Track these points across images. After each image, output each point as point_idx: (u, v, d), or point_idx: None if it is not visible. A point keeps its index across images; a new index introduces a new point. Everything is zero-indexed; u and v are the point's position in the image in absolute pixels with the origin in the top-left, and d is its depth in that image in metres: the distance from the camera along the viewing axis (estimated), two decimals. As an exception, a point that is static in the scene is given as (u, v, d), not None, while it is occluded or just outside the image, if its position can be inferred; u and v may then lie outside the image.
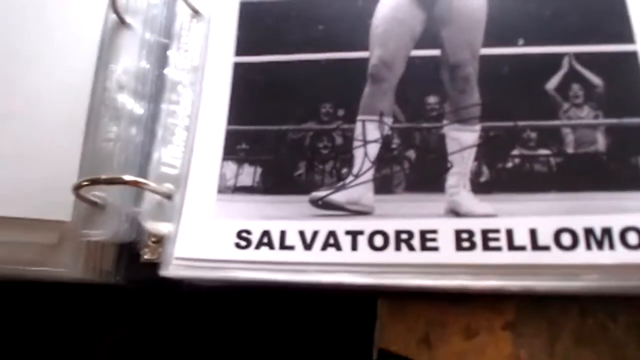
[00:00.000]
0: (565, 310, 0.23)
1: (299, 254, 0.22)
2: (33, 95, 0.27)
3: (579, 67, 0.23)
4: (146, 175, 0.24)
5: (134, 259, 0.25)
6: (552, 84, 0.23)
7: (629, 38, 0.23)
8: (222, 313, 0.26)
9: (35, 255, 0.25)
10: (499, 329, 0.22)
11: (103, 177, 0.23)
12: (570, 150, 0.22)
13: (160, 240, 0.24)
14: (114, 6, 0.27)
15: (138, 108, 0.27)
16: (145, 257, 0.24)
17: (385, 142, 0.23)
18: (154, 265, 0.24)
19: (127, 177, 0.23)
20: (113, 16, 0.28)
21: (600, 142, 0.22)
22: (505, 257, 0.20)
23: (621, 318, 0.22)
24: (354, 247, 0.22)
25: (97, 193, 0.25)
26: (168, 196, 0.24)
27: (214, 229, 0.23)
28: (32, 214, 0.25)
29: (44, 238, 0.25)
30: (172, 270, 0.22)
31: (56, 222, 0.25)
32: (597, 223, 0.20)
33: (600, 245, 0.20)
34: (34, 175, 0.25)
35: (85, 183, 0.23)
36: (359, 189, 0.23)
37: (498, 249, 0.21)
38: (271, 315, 0.26)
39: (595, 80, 0.22)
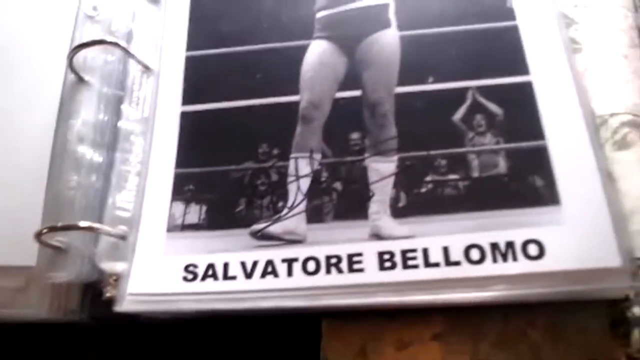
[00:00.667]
0: (489, 318, 0.25)
1: (240, 283, 0.24)
2: (3, 151, 0.30)
3: (481, 99, 0.25)
4: (101, 217, 0.27)
5: (98, 297, 0.27)
6: (458, 115, 0.25)
7: (524, 70, 0.25)
8: (177, 342, 0.28)
9: (3, 299, 0.27)
10: (429, 339, 0.24)
11: (60, 224, 0.25)
12: (475, 174, 0.24)
13: (115, 276, 0.26)
14: (71, 66, 0.30)
15: (97, 157, 0.30)
16: (107, 295, 0.26)
17: (315, 176, 0.26)
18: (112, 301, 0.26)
19: (82, 224, 0.25)
20: (72, 75, 0.31)
21: (502, 165, 0.24)
22: (423, 273, 0.23)
23: (539, 322, 0.24)
24: (290, 273, 0.24)
25: (59, 238, 0.27)
26: (122, 237, 0.26)
27: (164, 265, 0.25)
28: (1, 260, 0.27)
29: (11, 282, 0.27)
30: (125, 305, 0.24)
31: (22, 267, 0.27)
32: (502, 238, 0.22)
33: (505, 257, 0.22)
34: (3, 224, 0.28)
35: (45, 231, 0.25)
36: (293, 220, 0.25)
37: (416, 267, 0.23)
38: (225, 340, 0.28)
39: (496, 109, 0.25)
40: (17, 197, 0.28)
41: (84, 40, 0.31)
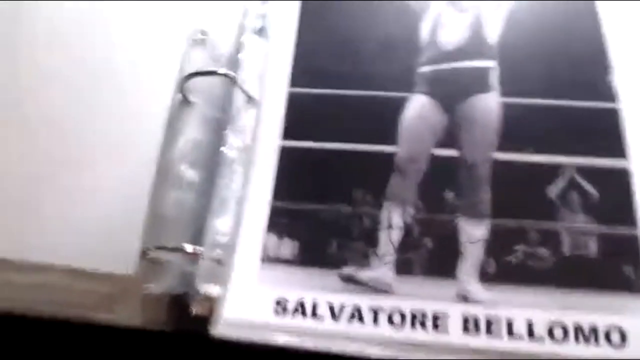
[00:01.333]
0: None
1: (327, 324, 0.25)
2: (110, 161, 0.31)
3: (578, 178, 0.26)
4: (201, 239, 0.28)
5: (184, 310, 0.29)
6: (554, 190, 0.26)
7: (622, 154, 0.26)
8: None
9: (100, 302, 0.29)
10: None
11: (169, 245, 0.27)
12: (565, 251, 0.25)
13: (208, 297, 0.28)
14: (180, 88, 0.32)
15: (195, 177, 0.31)
16: (195, 310, 0.28)
17: (407, 229, 0.27)
18: (201, 319, 0.28)
19: (187, 247, 0.27)
20: (179, 95, 0.33)
21: (592, 247, 0.25)
22: (505, 344, 0.24)
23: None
24: (376, 321, 0.25)
25: (160, 253, 0.29)
26: (219, 261, 0.28)
27: (257, 294, 0.27)
28: (101, 267, 0.29)
29: (108, 288, 0.29)
30: (220, 329, 0.25)
31: (121, 275, 0.29)
32: (586, 320, 0.23)
33: (587, 340, 0.23)
34: (104, 233, 0.29)
35: (151, 249, 0.27)
36: (382, 269, 0.26)
37: (499, 336, 0.24)
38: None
39: (592, 190, 0.26)
40: (121, 207, 0.30)
41: (192, 63, 0.33)
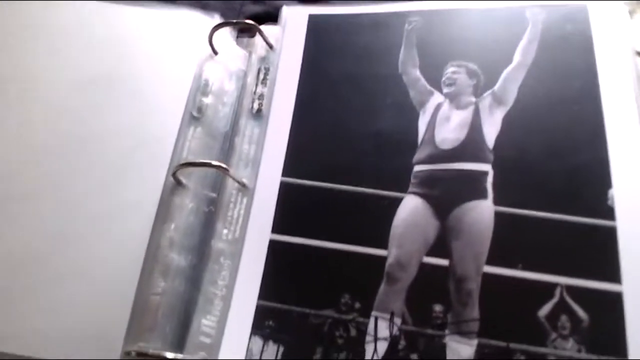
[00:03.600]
0: None
1: None
2: (99, 248, 0.32)
3: (568, 299, 0.26)
4: (185, 340, 0.29)
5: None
6: (543, 311, 0.26)
7: (616, 278, 0.26)
8: None
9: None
10: None
11: (149, 351, 0.28)
12: (554, 379, 0.25)
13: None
14: (174, 175, 0.33)
15: (184, 262, 0.32)
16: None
17: (393, 341, 0.27)
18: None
19: (169, 355, 0.28)
20: (171, 179, 0.34)
21: (581, 376, 0.25)
22: None
23: None
24: None
25: (141, 344, 0.30)
26: (202, 364, 0.29)
27: (238, 401, 0.27)
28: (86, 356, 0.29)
29: (93, 381, 0.30)
30: None
31: (105, 366, 0.30)
32: None
33: None
34: (91, 323, 0.30)
35: (133, 355, 0.28)
36: (366, 383, 0.27)
37: None
38: None
39: (582, 314, 0.26)
40: (107, 298, 0.31)
41: (187, 142, 0.35)
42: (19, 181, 0.34)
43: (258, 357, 0.28)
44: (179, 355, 0.28)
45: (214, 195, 0.34)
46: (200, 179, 0.34)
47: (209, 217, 0.33)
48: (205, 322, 0.29)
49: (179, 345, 0.29)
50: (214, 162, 0.32)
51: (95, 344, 0.30)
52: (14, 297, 0.31)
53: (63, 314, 0.30)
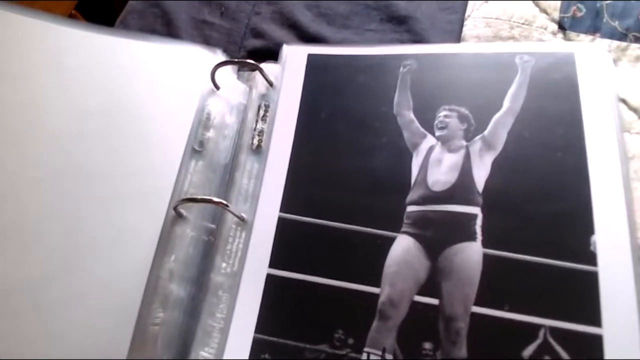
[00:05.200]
0: None
1: None
2: (98, 277, 0.34)
3: (551, 341, 0.28)
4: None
5: None
6: (528, 352, 0.28)
7: (597, 321, 0.29)
8: None
9: None
10: None
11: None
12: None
13: None
14: (175, 208, 0.35)
15: (183, 293, 0.34)
16: None
17: (384, 377, 0.29)
18: None
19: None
20: (172, 211, 0.35)
21: (562, 417, 0.27)
22: None
23: None
24: None
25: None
26: (198, 396, 0.30)
27: None
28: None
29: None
30: None
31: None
32: None
33: None
34: (92, 350, 0.32)
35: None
36: (357, 418, 0.29)
37: None
38: None
39: (564, 355, 0.28)
40: (109, 326, 0.32)
41: (189, 175, 0.37)
42: (20, 210, 0.36)
43: (253, 390, 0.30)
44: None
45: (213, 226, 0.36)
46: (200, 212, 0.36)
47: (208, 248, 0.35)
48: (203, 354, 0.31)
49: (178, 370, 0.31)
50: (215, 199, 0.34)
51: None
52: (13, 322, 0.33)
53: (62, 340, 0.32)
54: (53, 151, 0.38)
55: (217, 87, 0.40)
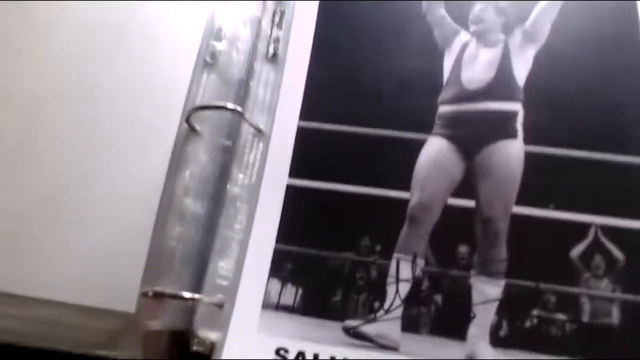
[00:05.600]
0: None
1: (328, 379, 0.26)
2: (113, 194, 0.33)
3: (603, 239, 0.26)
4: (202, 282, 0.30)
5: (184, 347, 0.30)
6: (576, 251, 0.26)
7: (654, 216, 0.26)
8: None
9: (102, 340, 0.30)
10: None
11: (167, 291, 0.28)
12: (585, 319, 0.25)
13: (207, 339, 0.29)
14: (187, 118, 0.33)
15: (199, 211, 0.33)
16: (194, 347, 0.29)
17: (416, 282, 0.27)
18: (201, 356, 0.29)
19: (185, 294, 0.28)
20: (185, 125, 0.34)
21: (615, 315, 0.25)
22: (515, 413, 0.24)
23: None
24: (379, 380, 0.26)
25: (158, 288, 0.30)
26: (219, 305, 0.29)
27: (256, 342, 0.28)
28: (103, 304, 0.30)
29: (111, 325, 0.30)
30: (217, 377, 0.27)
31: (122, 312, 0.30)
32: (603, 395, 0.24)
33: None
34: (108, 268, 0.31)
35: (150, 293, 0.28)
36: (388, 324, 0.27)
37: (508, 404, 0.24)
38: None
39: (618, 254, 0.26)
40: (124, 242, 0.31)
41: (201, 89, 0.35)
42: (36, 127, 0.35)
43: (276, 299, 0.29)
44: (196, 295, 0.28)
45: (228, 143, 0.34)
46: (215, 126, 0.34)
47: (224, 164, 0.33)
48: (222, 265, 0.30)
49: (196, 288, 0.29)
50: (230, 105, 0.32)
51: (112, 286, 0.30)
52: (31, 241, 0.31)
53: (79, 257, 0.31)
54: (66, 67, 0.36)
55: (229, -4, 0.38)
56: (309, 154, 0.32)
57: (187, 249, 0.32)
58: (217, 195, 0.33)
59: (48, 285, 0.31)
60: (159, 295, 0.28)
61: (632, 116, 0.28)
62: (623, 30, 0.30)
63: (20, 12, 0.39)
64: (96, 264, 0.31)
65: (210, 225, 0.32)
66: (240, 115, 0.32)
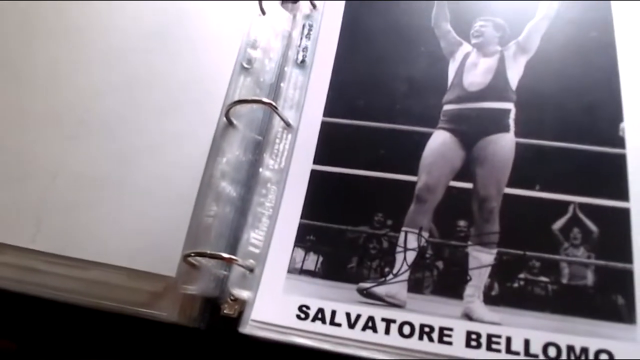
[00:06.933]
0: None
1: (344, 331, 0.32)
2: (158, 174, 0.39)
3: (580, 215, 0.32)
4: (236, 249, 0.36)
5: (216, 311, 0.36)
6: (557, 225, 0.32)
7: (624, 196, 0.32)
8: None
9: (144, 299, 0.36)
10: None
11: (208, 252, 0.34)
12: (564, 280, 0.31)
13: (237, 299, 0.35)
14: (226, 112, 0.40)
15: (233, 192, 0.39)
16: (225, 311, 0.35)
17: (421, 251, 0.33)
18: (231, 319, 0.34)
19: (225, 255, 0.34)
20: (224, 119, 0.40)
21: (589, 278, 0.30)
22: (504, 357, 0.29)
23: None
24: (387, 332, 0.31)
25: (198, 258, 0.36)
26: (251, 269, 0.35)
27: (282, 301, 0.33)
28: (147, 268, 0.36)
29: (152, 287, 0.36)
30: (248, 329, 0.32)
31: (163, 276, 0.36)
32: (578, 342, 0.29)
33: (578, 359, 0.28)
34: (152, 237, 0.37)
35: (193, 254, 0.34)
36: (396, 286, 0.33)
37: (498, 351, 0.29)
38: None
39: (593, 227, 0.31)
40: (167, 215, 0.37)
41: (238, 89, 0.42)
42: (91, 112, 0.41)
43: (300, 265, 0.34)
44: (234, 257, 0.34)
45: (260, 138, 0.41)
46: (249, 121, 0.41)
47: (256, 151, 0.40)
48: (254, 235, 0.36)
49: (231, 253, 0.35)
50: (265, 100, 0.38)
51: (156, 253, 0.36)
52: (84, 209, 0.38)
53: (128, 228, 0.37)
54: (119, 64, 0.43)
55: (263, 12, 0.45)
56: (331, 144, 0.38)
57: (222, 225, 0.38)
58: (250, 179, 0.39)
59: (100, 250, 0.37)
60: (201, 255, 0.34)
61: (605, 114, 0.34)
62: (600, 43, 0.36)
63: (86, 14, 0.46)
64: (143, 234, 0.38)
65: (243, 206, 0.39)
66: (274, 108, 0.39)
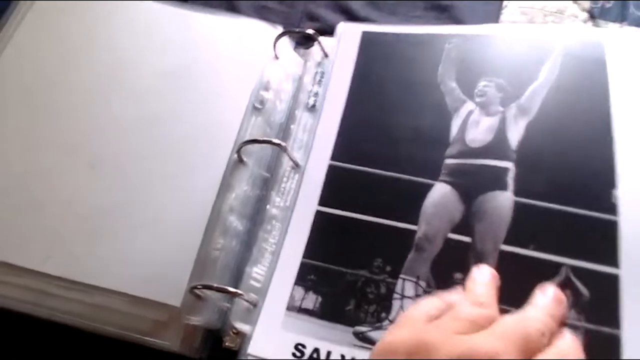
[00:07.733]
0: None
1: (338, 373, 0.31)
2: (169, 206, 0.39)
3: (572, 277, 0.32)
4: (239, 282, 0.35)
5: (217, 343, 0.35)
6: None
7: (615, 262, 0.32)
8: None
9: (148, 328, 0.36)
10: None
11: (215, 285, 0.34)
12: (554, 341, 0.30)
13: (238, 332, 0.34)
14: (238, 152, 0.40)
15: (240, 226, 0.39)
16: (227, 344, 0.35)
17: (418, 300, 0.33)
18: (230, 352, 0.34)
19: (231, 289, 0.34)
20: (235, 156, 0.40)
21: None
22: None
23: None
24: (380, 377, 0.31)
25: (204, 290, 0.36)
26: (253, 304, 0.34)
27: (279, 338, 0.33)
28: (153, 296, 0.35)
29: (156, 315, 0.36)
30: (244, 362, 0.32)
31: (169, 305, 0.35)
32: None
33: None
34: (159, 267, 0.37)
35: (199, 286, 0.33)
36: (391, 332, 0.32)
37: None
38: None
39: (583, 290, 0.31)
40: (175, 246, 0.37)
41: (250, 128, 0.42)
42: (107, 144, 0.41)
43: (299, 303, 0.34)
44: (239, 291, 0.34)
45: (268, 175, 0.41)
46: (258, 159, 0.41)
47: (264, 188, 0.40)
48: (256, 270, 0.36)
49: (234, 286, 0.35)
50: (275, 140, 0.39)
51: (162, 283, 0.36)
52: (99, 241, 0.38)
53: (137, 257, 0.37)
54: (136, 102, 0.43)
55: (277, 56, 0.45)
56: (336, 187, 0.38)
57: (228, 258, 0.38)
58: (255, 215, 0.39)
59: (108, 277, 0.37)
60: (207, 287, 0.34)
61: (598, 181, 0.34)
62: (595, 109, 0.37)
63: (105, 57, 0.46)
64: (151, 264, 0.37)
65: (248, 241, 0.38)
66: (283, 148, 0.39)
